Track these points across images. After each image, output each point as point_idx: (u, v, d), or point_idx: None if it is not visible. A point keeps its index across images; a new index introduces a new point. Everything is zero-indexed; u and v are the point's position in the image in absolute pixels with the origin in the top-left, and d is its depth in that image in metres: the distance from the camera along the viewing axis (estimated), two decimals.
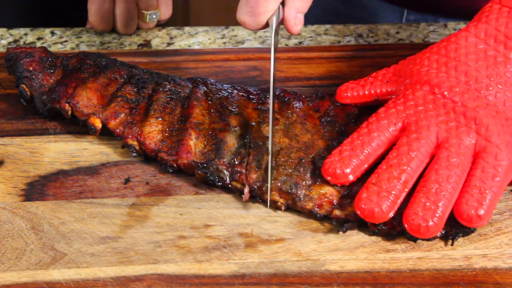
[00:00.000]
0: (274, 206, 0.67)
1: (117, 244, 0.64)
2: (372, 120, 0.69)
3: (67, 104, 0.74)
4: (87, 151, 0.74)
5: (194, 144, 0.70)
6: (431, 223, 0.62)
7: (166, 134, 0.72)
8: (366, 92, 0.74)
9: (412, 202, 0.63)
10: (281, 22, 0.70)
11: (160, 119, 0.72)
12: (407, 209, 0.63)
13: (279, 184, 0.67)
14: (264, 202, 0.68)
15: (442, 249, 0.64)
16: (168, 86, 0.75)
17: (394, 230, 0.64)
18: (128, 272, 0.62)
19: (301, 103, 0.74)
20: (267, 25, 0.69)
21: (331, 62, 0.86)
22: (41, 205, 0.68)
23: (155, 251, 0.64)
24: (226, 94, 0.75)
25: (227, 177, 0.68)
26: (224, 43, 0.90)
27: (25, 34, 0.91)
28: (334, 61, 0.86)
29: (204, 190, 0.70)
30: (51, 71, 0.77)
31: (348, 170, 0.66)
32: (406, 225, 0.62)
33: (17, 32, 0.92)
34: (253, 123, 0.72)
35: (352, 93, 0.74)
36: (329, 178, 0.66)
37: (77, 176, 0.71)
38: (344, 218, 0.65)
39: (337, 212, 0.66)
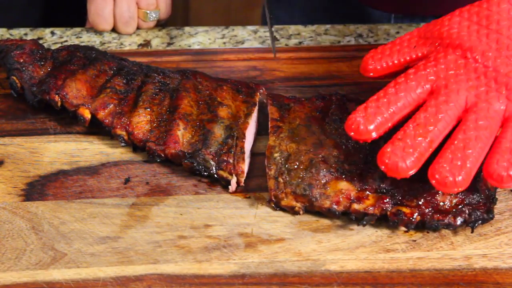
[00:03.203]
0: (292, 211, 0.67)
1: (117, 244, 0.64)
2: (400, 80, 0.67)
3: (56, 95, 0.74)
4: (87, 151, 0.74)
5: (182, 135, 0.70)
6: (459, 178, 0.61)
7: (155, 125, 0.72)
8: (396, 62, 0.71)
9: (439, 157, 0.62)
10: None
11: (149, 109, 0.73)
12: (433, 164, 0.62)
13: (293, 188, 0.67)
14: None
15: (442, 249, 0.64)
16: (157, 78, 0.76)
17: (414, 219, 0.64)
18: (128, 272, 0.62)
19: (302, 106, 0.74)
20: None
21: (331, 62, 0.86)
22: (41, 205, 0.68)
23: (155, 251, 0.64)
24: (215, 86, 0.75)
25: (213, 167, 0.69)
26: (224, 43, 0.90)
27: (25, 34, 0.91)
28: (334, 61, 0.86)
29: (204, 190, 0.70)
30: (42, 63, 0.78)
31: (371, 127, 0.65)
32: (431, 178, 0.61)
33: (17, 32, 0.91)
34: (241, 115, 0.72)
35: (380, 64, 0.71)
36: (352, 133, 0.65)
37: (77, 176, 0.71)
38: (364, 211, 0.65)
39: (355, 206, 0.65)
